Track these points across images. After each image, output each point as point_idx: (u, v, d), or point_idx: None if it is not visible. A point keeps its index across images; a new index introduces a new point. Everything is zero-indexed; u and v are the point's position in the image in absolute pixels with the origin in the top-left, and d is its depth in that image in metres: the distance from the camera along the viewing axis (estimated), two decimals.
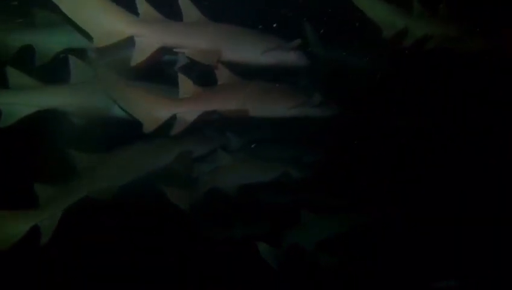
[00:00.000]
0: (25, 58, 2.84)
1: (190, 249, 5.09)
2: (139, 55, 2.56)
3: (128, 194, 3.41)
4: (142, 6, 2.60)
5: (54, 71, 2.91)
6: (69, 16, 2.34)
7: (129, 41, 2.56)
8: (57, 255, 4.37)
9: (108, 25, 2.44)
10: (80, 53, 2.88)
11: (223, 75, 2.99)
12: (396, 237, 5.25)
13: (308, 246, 4.57)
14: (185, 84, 2.81)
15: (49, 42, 2.86)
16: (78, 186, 3.03)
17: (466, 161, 5.26)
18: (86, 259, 4.72)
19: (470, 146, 5.17)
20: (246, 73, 3.13)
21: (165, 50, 2.80)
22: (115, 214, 4.37)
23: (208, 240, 4.81)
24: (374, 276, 5.25)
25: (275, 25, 3.59)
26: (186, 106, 2.75)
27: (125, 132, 3.21)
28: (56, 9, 2.35)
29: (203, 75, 3.03)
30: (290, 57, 3.17)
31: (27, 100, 2.68)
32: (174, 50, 2.86)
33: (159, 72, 3.19)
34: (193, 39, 2.80)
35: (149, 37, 2.58)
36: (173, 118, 2.75)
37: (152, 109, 2.58)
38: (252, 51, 3.07)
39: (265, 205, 4.73)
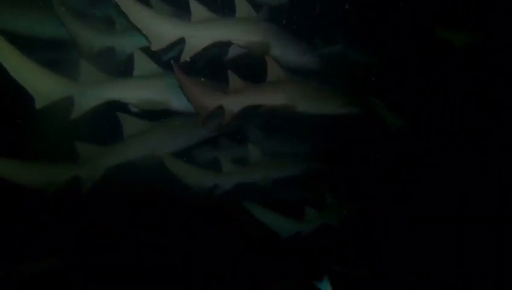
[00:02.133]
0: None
1: (194, 248, 5.08)
2: (187, 53, 2.86)
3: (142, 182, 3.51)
4: (194, 7, 2.89)
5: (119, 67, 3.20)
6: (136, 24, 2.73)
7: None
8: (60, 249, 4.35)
9: (161, 30, 2.78)
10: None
11: (273, 70, 3.05)
12: (396, 235, 5.35)
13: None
14: (234, 78, 3.00)
15: (126, 45, 3.22)
16: (122, 149, 3.22)
17: (466, 161, 5.42)
18: (90, 256, 4.67)
19: (470, 146, 5.33)
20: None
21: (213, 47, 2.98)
22: (122, 207, 4.42)
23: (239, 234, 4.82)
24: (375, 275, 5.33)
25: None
26: (234, 98, 2.96)
27: None
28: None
29: (253, 70, 3.10)
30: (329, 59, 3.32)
31: (96, 93, 2.88)
32: (228, 43, 2.95)
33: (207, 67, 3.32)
34: (245, 33, 3.00)
35: (197, 37, 2.86)
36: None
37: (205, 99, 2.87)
38: (297, 49, 3.19)
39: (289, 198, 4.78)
